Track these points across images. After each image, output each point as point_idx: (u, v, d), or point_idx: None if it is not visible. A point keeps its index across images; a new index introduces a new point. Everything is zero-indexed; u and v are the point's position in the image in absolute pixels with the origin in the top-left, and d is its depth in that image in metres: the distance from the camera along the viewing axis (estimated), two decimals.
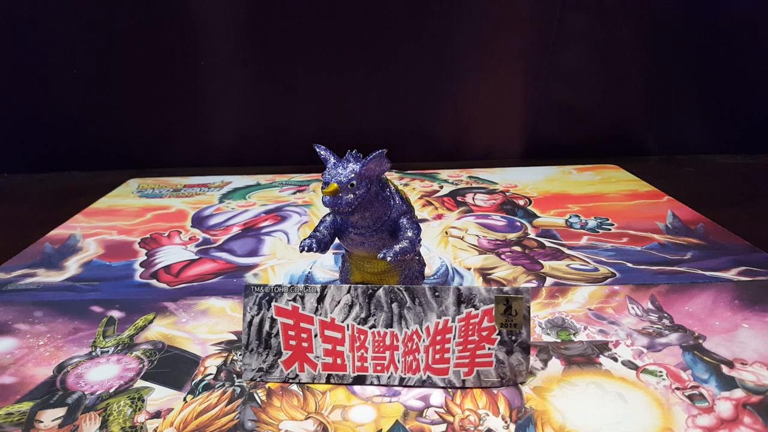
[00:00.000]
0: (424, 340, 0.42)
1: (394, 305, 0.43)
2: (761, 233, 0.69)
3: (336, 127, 1.04)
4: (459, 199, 0.86)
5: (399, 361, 0.43)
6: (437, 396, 0.42)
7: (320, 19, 0.99)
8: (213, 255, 0.68)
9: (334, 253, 0.65)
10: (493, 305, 0.42)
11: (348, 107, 1.06)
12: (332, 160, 0.43)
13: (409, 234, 0.45)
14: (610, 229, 0.73)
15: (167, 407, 0.42)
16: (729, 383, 0.43)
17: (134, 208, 0.85)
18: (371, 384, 0.43)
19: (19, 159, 1.07)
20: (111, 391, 0.44)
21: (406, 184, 0.93)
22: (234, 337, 0.50)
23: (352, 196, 0.41)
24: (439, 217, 0.78)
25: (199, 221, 0.79)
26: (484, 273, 0.62)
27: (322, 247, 0.44)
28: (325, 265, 0.64)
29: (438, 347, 0.42)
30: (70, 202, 0.87)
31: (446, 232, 0.73)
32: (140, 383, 0.45)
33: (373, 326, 0.43)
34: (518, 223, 0.76)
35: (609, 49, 1.03)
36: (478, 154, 1.11)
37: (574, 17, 0.99)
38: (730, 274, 0.59)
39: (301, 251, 0.44)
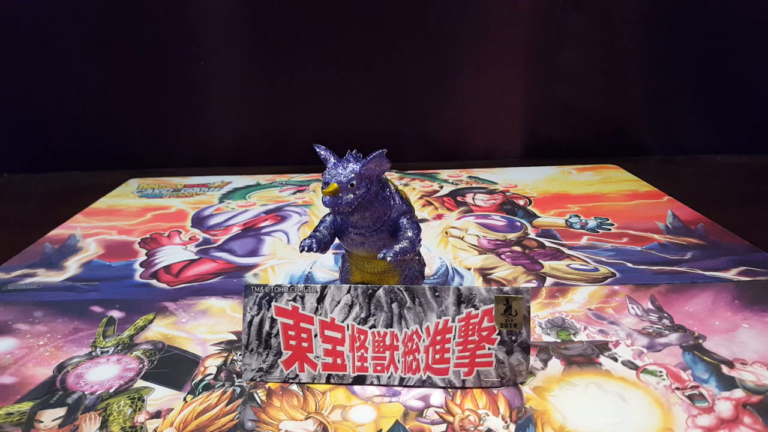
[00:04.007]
0: (424, 340, 0.42)
1: (394, 305, 0.43)
2: (761, 233, 0.69)
3: (336, 127, 1.04)
4: (459, 199, 0.86)
5: (399, 361, 0.43)
6: (437, 396, 0.42)
7: (320, 19, 0.99)
8: (213, 255, 0.68)
9: (334, 253, 0.65)
10: (493, 305, 0.42)
11: (348, 107, 1.06)
12: (332, 160, 0.43)
13: (409, 234, 0.45)
14: (610, 229, 0.73)
15: (167, 407, 0.42)
16: (729, 383, 0.43)
17: (134, 208, 0.85)
18: (371, 384, 0.43)
19: (19, 159, 1.07)
20: (111, 391, 0.44)
21: (406, 184, 0.93)
22: (234, 337, 0.50)
23: (352, 196, 0.41)
24: (439, 217, 0.78)
25: (199, 221, 0.79)
26: (484, 273, 0.62)
27: (322, 247, 0.44)
28: (325, 265, 0.64)
29: (438, 347, 0.42)
30: (70, 202, 0.87)
31: (446, 232, 0.73)
32: (140, 383, 0.45)
33: (373, 326, 0.43)
34: (518, 223, 0.76)
35: (609, 49, 1.03)
36: (478, 154, 1.11)
37: (574, 17, 0.99)
38: (730, 274, 0.59)
39: (301, 251, 0.44)
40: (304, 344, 0.43)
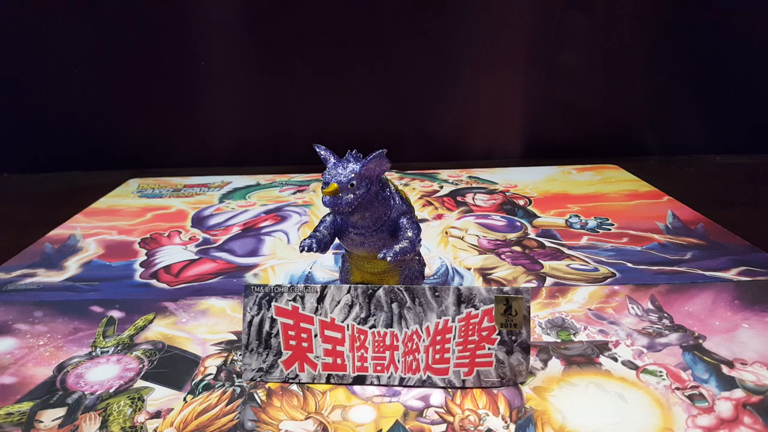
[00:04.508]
0: (424, 340, 0.42)
1: (394, 305, 0.43)
2: (761, 233, 0.69)
3: (336, 127, 1.04)
4: (459, 199, 0.86)
5: (399, 361, 0.43)
6: (437, 396, 0.42)
7: (320, 19, 0.99)
8: (213, 255, 0.68)
9: (334, 253, 0.65)
10: (493, 305, 0.42)
11: (348, 107, 1.06)
12: (332, 160, 0.43)
13: (409, 234, 0.45)
14: (610, 229, 0.73)
15: (167, 407, 0.42)
16: (729, 383, 0.43)
17: (134, 208, 0.85)
18: (371, 384, 0.43)
19: (19, 159, 1.07)
20: (111, 391, 0.44)
21: (406, 184, 0.93)
22: (234, 337, 0.50)
23: (352, 196, 0.41)
24: (439, 217, 0.78)
25: (199, 221, 0.79)
26: (484, 273, 0.62)
27: (322, 247, 0.44)
28: (325, 265, 0.64)
29: (438, 347, 0.42)
30: (70, 202, 0.87)
31: (446, 232, 0.73)
32: (140, 383, 0.45)
33: (373, 326, 0.43)
34: (518, 223, 0.76)
35: (609, 49, 1.03)
36: (478, 154, 1.10)
37: (574, 17, 0.99)
38: (730, 274, 0.59)
39: (301, 251, 0.44)
40: (304, 344, 0.43)
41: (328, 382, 0.43)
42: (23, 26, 0.98)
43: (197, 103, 1.05)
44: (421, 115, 1.08)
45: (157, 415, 0.41)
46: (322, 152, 0.44)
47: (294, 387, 0.43)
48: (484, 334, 0.42)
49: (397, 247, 0.43)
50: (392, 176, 0.96)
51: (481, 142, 1.11)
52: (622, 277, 0.60)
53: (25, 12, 0.97)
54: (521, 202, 0.83)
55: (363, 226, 0.44)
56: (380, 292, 0.43)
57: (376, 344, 0.43)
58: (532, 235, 0.72)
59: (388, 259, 0.42)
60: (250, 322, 0.44)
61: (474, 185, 0.92)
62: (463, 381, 0.42)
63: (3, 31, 0.98)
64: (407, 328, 0.43)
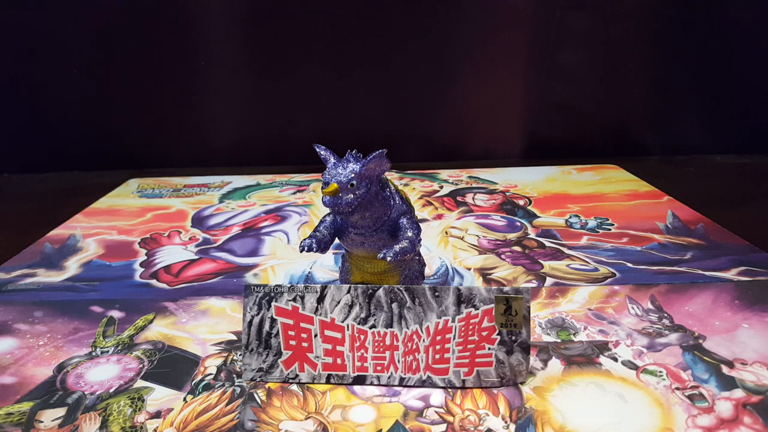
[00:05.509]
0: (424, 340, 0.42)
1: (394, 305, 0.43)
2: (761, 233, 0.69)
3: (336, 127, 1.04)
4: (459, 199, 0.86)
5: (399, 361, 0.43)
6: (437, 396, 0.42)
7: (320, 19, 0.99)
8: (213, 255, 0.68)
9: (334, 253, 0.65)
10: (493, 305, 0.42)
11: (348, 107, 1.06)
12: (332, 160, 0.43)
13: (409, 234, 0.45)
14: (610, 229, 0.73)
15: (167, 407, 0.42)
16: (729, 383, 0.43)
17: (134, 208, 0.85)
18: (371, 384, 0.43)
19: (19, 159, 1.07)
20: (111, 391, 0.44)
21: (406, 184, 0.93)
22: (234, 337, 0.50)
23: (352, 196, 0.41)
24: (439, 217, 0.78)
25: (199, 221, 0.79)
26: (484, 273, 0.62)
27: (322, 247, 0.44)
28: (325, 265, 0.64)
29: (438, 347, 0.42)
30: (70, 202, 0.87)
31: (446, 232, 0.73)
32: (140, 383, 0.45)
33: (373, 326, 0.43)
34: (518, 223, 0.76)
35: (609, 49, 1.03)
36: (478, 154, 1.11)
37: (574, 17, 0.99)
38: (730, 274, 0.59)
39: (301, 251, 0.44)
40: (304, 344, 0.43)
41: (328, 382, 0.43)
42: (23, 26, 0.98)
43: (197, 103, 1.05)
44: (421, 115, 1.08)
45: (157, 415, 0.41)
46: (322, 152, 0.44)
47: (294, 387, 0.43)
48: (484, 334, 0.42)
49: (397, 247, 0.43)
50: (392, 176, 0.96)
51: (481, 142, 1.11)
52: (622, 277, 0.60)
53: (25, 12, 0.97)
54: (521, 202, 0.83)
55: (363, 226, 0.44)
56: (380, 292, 0.43)
57: (376, 344, 0.43)
58: (532, 235, 0.72)
59: (388, 259, 0.42)
60: (250, 322, 0.44)
61: (474, 185, 0.92)
62: (463, 381, 0.42)
63: (3, 31, 0.98)
64: (407, 328, 0.43)
